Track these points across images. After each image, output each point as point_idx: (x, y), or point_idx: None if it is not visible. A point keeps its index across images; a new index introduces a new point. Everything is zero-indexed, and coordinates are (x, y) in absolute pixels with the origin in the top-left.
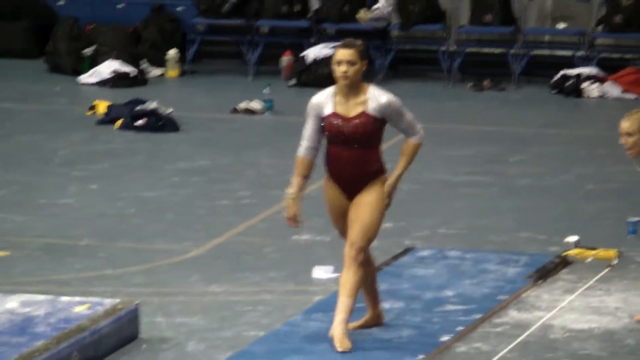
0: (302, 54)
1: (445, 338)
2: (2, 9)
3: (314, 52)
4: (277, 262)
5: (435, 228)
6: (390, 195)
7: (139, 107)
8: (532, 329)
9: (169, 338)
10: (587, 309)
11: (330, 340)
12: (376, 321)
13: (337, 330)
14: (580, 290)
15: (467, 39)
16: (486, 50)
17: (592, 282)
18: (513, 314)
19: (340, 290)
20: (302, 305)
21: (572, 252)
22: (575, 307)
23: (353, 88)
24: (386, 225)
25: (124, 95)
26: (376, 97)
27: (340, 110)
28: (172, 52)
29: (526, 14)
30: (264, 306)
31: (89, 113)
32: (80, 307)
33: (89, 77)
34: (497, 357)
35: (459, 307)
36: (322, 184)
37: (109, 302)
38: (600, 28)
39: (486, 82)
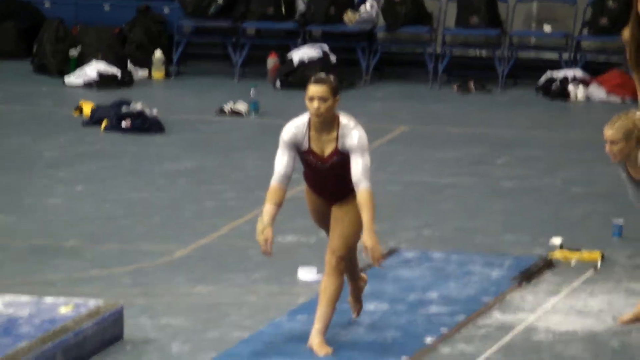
0: (288, 56)
1: (429, 339)
2: None
3: (300, 54)
4: (261, 264)
5: (420, 230)
6: (376, 248)
7: (124, 109)
8: (516, 331)
9: (154, 339)
10: (571, 311)
11: None
12: (361, 288)
13: (315, 340)
14: (564, 293)
15: (453, 41)
16: (472, 52)
17: (576, 285)
18: (497, 316)
19: (320, 297)
20: (287, 306)
21: (557, 254)
22: (559, 309)
23: (325, 123)
24: None
25: (110, 96)
26: (347, 133)
27: (315, 147)
28: (158, 54)
29: (512, 17)
30: (249, 307)
31: (76, 114)
32: (65, 308)
33: (75, 78)
34: (480, 359)
35: (443, 308)
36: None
37: (93, 303)
38: (585, 31)
39: (471, 84)
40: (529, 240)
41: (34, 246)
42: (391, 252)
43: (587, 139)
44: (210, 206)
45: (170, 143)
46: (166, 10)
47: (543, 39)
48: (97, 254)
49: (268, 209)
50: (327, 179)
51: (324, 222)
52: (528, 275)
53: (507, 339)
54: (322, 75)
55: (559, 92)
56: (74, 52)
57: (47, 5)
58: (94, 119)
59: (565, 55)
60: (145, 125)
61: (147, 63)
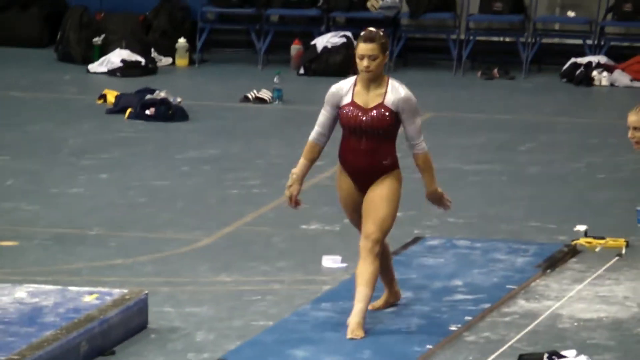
0: (311, 43)
1: (454, 327)
2: None
3: (323, 41)
4: (286, 252)
5: (444, 217)
6: (440, 199)
7: (148, 96)
8: (541, 318)
9: (178, 328)
10: (596, 298)
11: (339, 329)
12: (394, 300)
13: (354, 320)
14: (588, 280)
15: (477, 28)
16: (496, 38)
17: (600, 272)
18: (522, 304)
19: (357, 280)
20: (311, 295)
21: (581, 241)
22: (583, 296)
23: (374, 80)
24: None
25: (134, 84)
26: (395, 90)
27: (359, 100)
28: (182, 41)
29: (536, 2)
30: (273, 296)
31: (100, 102)
32: (89, 297)
33: (99, 65)
34: (505, 347)
35: (468, 296)
36: (333, 173)
37: (117, 292)
38: (609, 16)
39: (495, 71)
40: (553, 227)
41: (58, 234)
42: (415, 240)
43: (611, 125)
44: (235, 194)
45: (194, 130)
46: None
47: (567, 25)
48: (121, 242)
49: (301, 163)
50: (362, 143)
51: (353, 209)
52: (552, 262)
53: (531, 326)
54: (372, 31)
55: (583, 78)
56: (97, 40)
57: None
58: (118, 107)
59: (589, 41)
60: (169, 112)
61: (171, 50)
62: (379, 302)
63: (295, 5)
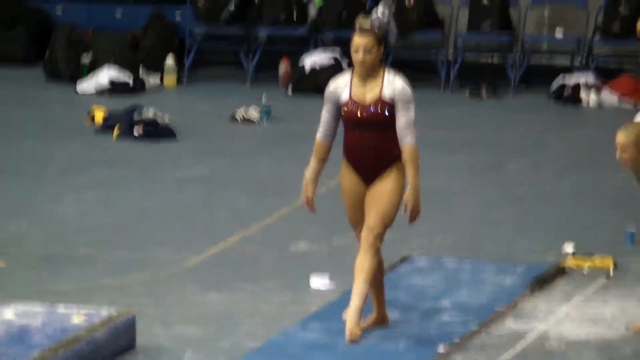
0: (300, 62)
1: (442, 348)
2: (1, 16)
3: (311, 60)
4: (274, 271)
5: (432, 237)
6: (416, 206)
7: (136, 115)
8: (529, 339)
9: (166, 348)
10: (584, 318)
11: (327, 350)
12: (382, 322)
13: (351, 318)
14: (576, 300)
15: (465, 47)
16: (484, 57)
17: (589, 292)
18: (510, 324)
19: (356, 274)
20: (299, 315)
21: (569, 261)
22: (572, 317)
23: (370, 73)
24: None
25: (122, 102)
26: (391, 82)
27: (357, 95)
28: (170, 60)
29: (524, 22)
30: (261, 316)
31: (88, 123)
32: (77, 317)
33: (87, 84)
34: None
35: (456, 317)
36: (321, 194)
37: (105, 312)
38: (597, 36)
39: (484, 90)
40: (541, 247)
41: (45, 254)
42: (403, 260)
43: (599, 145)
44: (223, 213)
45: (183, 150)
46: (178, 16)
47: (555, 44)
48: (108, 262)
49: (312, 164)
50: (365, 136)
51: (357, 205)
52: (541, 282)
53: (520, 347)
54: (367, 22)
55: (571, 97)
56: (85, 59)
57: (58, 11)
58: (106, 126)
59: (577, 61)
60: (157, 132)
61: (159, 69)
62: (365, 323)
63: (284, 24)
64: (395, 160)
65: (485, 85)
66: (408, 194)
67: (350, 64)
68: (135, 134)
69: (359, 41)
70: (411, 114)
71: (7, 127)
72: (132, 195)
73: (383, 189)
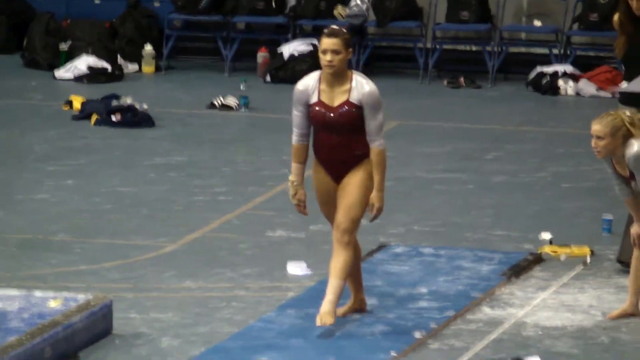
0: (278, 50)
1: (418, 335)
2: None
3: (290, 49)
4: (252, 259)
5: (410, 225)
6: (381, 208)
7: (114, 103)
8: (505, 326)
9: (143, 333)
10: (561, 306)
11: (304, 336)
12: (359, 307)
13: (323, 308)
14: (553, 288)
15: (444, 36)
16: (462, 47)
17: (565, 280)
18: (486, 311)
19: (330, 272)
20: (276, 301)
21: (546, 249)
22: (548, 304)
23: (338, 76)
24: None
25: (100, 90)
26: (360, 85)
27: (325, 98)
28: (148, 48)
29: (502, 11)
30: (238, 302)
31: (66, 108)
32: (54, 302)
33: (65, 72)
34: (470, 354)
35: (433, 304)
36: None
37: (82, 297)
38: (576, 26)
39: (461, 79)
40: (518, 235)
41: (23, 240)
42: (380, 247)
43: (577, 134)
44: (201, 200)
45: (161, 137)
46: (156, 4)
47: (533, 34)
48: (86, 249)
49: (295, 169)
50: (334, 138)
51: (329, 202)
52: (517, 270)
53: (496, 334)
54: (335, 27)
55: (549, 87)
56: (64, 46)
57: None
58: (84, 113)
59: (556, 50)
60: (135, 119)
61: (137, 57)
62: (343, 309)
63: (262, 13)
64: (363, 158)
65: (463, 74)
66: (375, 197)
67: None
68: (114, 119)
69: (327, 43)
70: (380, 117)
71: None
72: (109, 182)
73: (351, 183)
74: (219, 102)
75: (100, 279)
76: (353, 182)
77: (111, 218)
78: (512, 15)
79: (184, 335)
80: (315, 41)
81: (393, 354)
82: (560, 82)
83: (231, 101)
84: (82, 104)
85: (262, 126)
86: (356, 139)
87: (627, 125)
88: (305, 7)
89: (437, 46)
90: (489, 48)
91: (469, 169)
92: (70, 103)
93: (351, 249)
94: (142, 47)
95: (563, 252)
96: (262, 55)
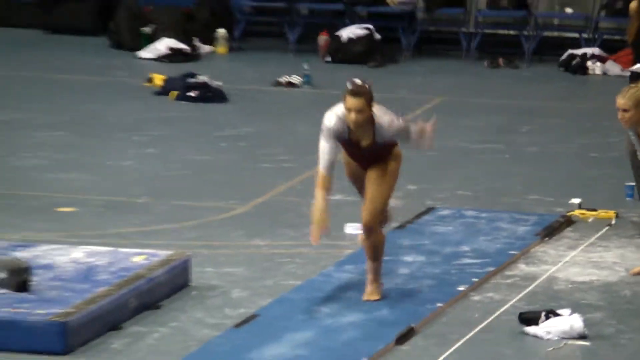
0: (337, 34)
1: (461, 288)
2: None
3: (347, 32)
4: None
5: (454, 190)
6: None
7: (191, 80)
8: (539, 280)
9: (217, 286)
10: (588, 263)
11: (359, 289)
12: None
13: (367, 289)
14: (582, 247)
15: (485, 22)
16: (501, 31)
17: (592, 240)
18: (522, 267)
19: (366, 254)
20: (335, 258)
21: (576, 212)
22: (577, 261)
23: (363, 127)
24: (410, 187)
25: (178, 69)
26: (382, 128)
27: (354, 138)
28: (222, 31)
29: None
30: (301, 259)
31: (147, 85)
32: (138, 257)
33: (147, 53)
34: (507, 306)
35: (475, 260)
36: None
37: (163, 253)
38: (603, 13)
39: (500, 60)
40: (551, 200)
41: (110, 202)
42: (428, 210)
43: (603, 110)
44: (267, 167)
45: (232, 111)
46: None
47: (565, 20)
48: (165, 210)
49: (319, 197)
50: (363, 159)
51: (358, 182)
52: (550, 231)
53: (530, 288)
54: (358, 85)
55: (579, 67)
56: (147, 30)
57: None
58: (165, 89)
59: (585, 35)
60: (209, 95)
61: (211, 39)
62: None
63: (323, 0)
64: (392, 154)
65: (502, 56)
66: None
67: (382, 38)
68: (192, 94)
69: (352, 103)
70: (406, 128)
71: (75, 90)
72: (186, 151)
73: (378, 175)
74: (285, 79)
75: (179, 237)
76: (380, 174)
77: (187, 183)
78: (547, 3)
79: (252, 287)
80: (370, 26)
81: (439, 305)
82: (589, 63)
83: (295, 79)
84: (164, 81)
85: (322, 101)
86: (385, 153)
87: None
88: None
89: (479, 31)
90: (525, 32)
91: (505, 141)
92: (150, 80)
93: (378, 231)
94: (216, 30)
95: (591, 215)
96: (322, 38)
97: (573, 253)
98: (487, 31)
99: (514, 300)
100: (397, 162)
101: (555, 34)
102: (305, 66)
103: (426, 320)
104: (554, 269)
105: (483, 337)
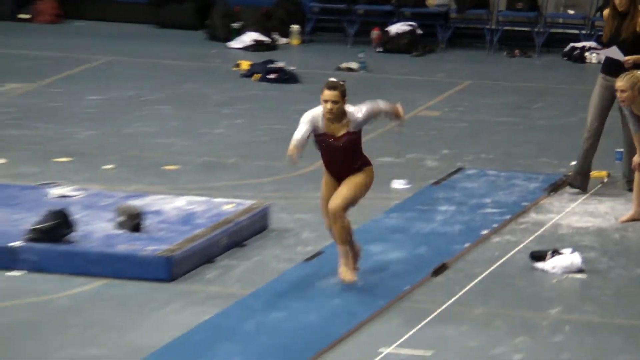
0: (386, 29)
1: (484, 232)
2: None
3: (395, 28)
4: None
5: (478, 154)
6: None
7: (271, 65)
8: (546, 226)
9: (290, 229)
10: (585, 213)
11: (403, 232)
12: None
13: (340, 269)
14: (580, 200)
15: (504, 20)
16: (517, 28)
17: (589, 194)
18: (533, 216)
19: (334, 239)
20: (383, 207)
21: None
22: (576, 211)
23: (337, 116)
24: (444, 151)
25: (261, 57)
26: (353, 116)
27: (329, 130)
28: (295, 27)
29: (547, 3)
30: (356, 208)
31: (235, 69)
32: (228, 205)
33: (236, 43)
34: (521, 246)
35: (495, 210)
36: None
37: (248, 202)
38: (599, 14)
39: (517, 52)
40: (556, 162)
41: (205, 162)
42: (458, 170)
43: None
44: None
45: (303, 90)
46: None
47: (568, 19)
48: (250, 169)
49: (301, 137)
50: (338, 155)
51: (328, 199)
52: (555, 187)
53: (539, 232)
54: (334, 81)
55: (579, 57)
56: (236, 25)
57: None
58: (250, 73)
59: (584, 31)
60: (285, 77)
61: (287, 33)
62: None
63: (375, 2)
64: (362, 167)
65: (518, 48)
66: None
67: (423, 34)
68: (271, 77)
69: (328, 94)
70: (375, 106)
71: (178, 73)
72: (267, 121)
73: (350, 181)
74: (345, 65)
75: (260, 189)
76: (352, 182)
77: (268, 147)
78: (554, 5)
79: (318, 230)
80: (413, 23)
81: (466, 245)
82: (587, 54)
83: (353, 65)
84: (249, 66)
85: (375, 83)
86: (355, 155)
87: None
88: None
89: (500, 27)
90: (536, 29)
91: (520, 115)
92: (238, 65)
93: (344, 219)
94: (291, 26)
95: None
96: (375, 32)
97: (573, 205)
98: (506, 28)
99: (526, 241)
100: (369, 176)
101: (560, 30)
102: (361, 55)
103: (456, 257)
104: (558, 217)
105: (501, 271)
